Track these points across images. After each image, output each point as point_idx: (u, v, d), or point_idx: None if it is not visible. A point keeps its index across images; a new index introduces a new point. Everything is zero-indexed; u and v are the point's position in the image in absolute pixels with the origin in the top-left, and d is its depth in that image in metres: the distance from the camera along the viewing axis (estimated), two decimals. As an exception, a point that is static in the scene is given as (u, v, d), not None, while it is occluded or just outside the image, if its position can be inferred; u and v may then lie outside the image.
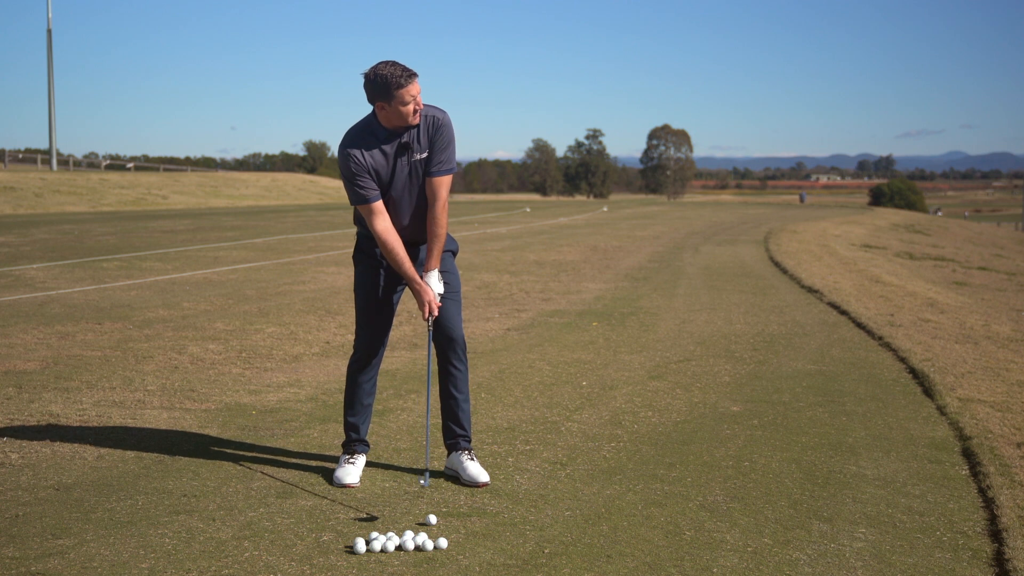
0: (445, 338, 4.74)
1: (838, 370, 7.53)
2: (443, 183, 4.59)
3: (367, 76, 4.39)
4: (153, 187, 47.11)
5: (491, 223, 29.16)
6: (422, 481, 4.54)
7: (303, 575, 3.61)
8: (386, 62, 4.40)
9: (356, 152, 4.51)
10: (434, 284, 4.60)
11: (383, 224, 4.54)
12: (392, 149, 4.52)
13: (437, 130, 4.55)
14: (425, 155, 4.55)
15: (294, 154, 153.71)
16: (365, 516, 4.20)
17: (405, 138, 4.51)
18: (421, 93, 4.44)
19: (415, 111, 4.44)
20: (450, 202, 4.82)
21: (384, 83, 4.35)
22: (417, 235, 4.70)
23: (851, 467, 5.05)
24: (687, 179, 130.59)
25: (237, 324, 9.23)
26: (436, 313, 4.61)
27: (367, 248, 4.75)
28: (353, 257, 4.85)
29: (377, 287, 4.72)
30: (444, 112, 4.60)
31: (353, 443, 4.81)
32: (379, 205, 4.54)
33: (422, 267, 4.69)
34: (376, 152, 4.52)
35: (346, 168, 4.53)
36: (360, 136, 4.54)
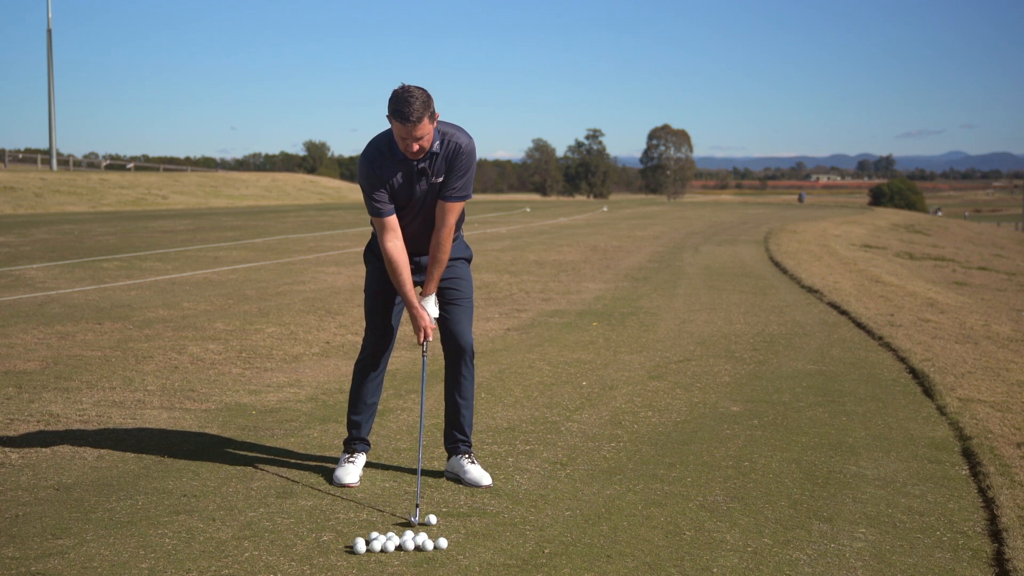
0: (454, 346, 4.72)
1: (838, 370, 7.53)
2: (453, 209, 4.54)
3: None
4: (153, 187, 47.11)
5: (491, 223, 29.16)
6: (412, 518, 4.19)
7: (303, 575, 3.61)
8: (413, 91, 4.27)
9: (375, 166, 4.47)
10: (431, 308, 4.60)
11: (392, 243, 4.50)
12: (411, 168, 4.48)
13: (457, 156, 4.49)
14: (441, 179, 4.51)
15: (294, 154, 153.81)
16: (404, 521, 4.18)
17: (423, 163, 4.46)
18: (434, 126, 4.35)
19: (413, 150, 4.35)
20: None
21: (390, 105, 4.30)
22: (421, 247, 4.67)
23: (851, 467, 5.05)
24: (687, 179, 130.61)
25: (237, 324, 9.23)
26: (431, 338, 4.60)
27: (378, 249, 4.72)
28: (364, 256, 4.84)
29: (386, 288, 4.71)
30: (469, 139, 4.53)
31: (354, 442, 4.81)
32: (392, 221, 4.50)
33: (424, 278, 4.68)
34: (395, 168, 4.47)
35: (363, 180, 4.51)
36: (380, 149, 4.48)
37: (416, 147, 4.35)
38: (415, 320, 4.55)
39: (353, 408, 4.83)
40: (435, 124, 4.38)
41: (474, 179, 4.63)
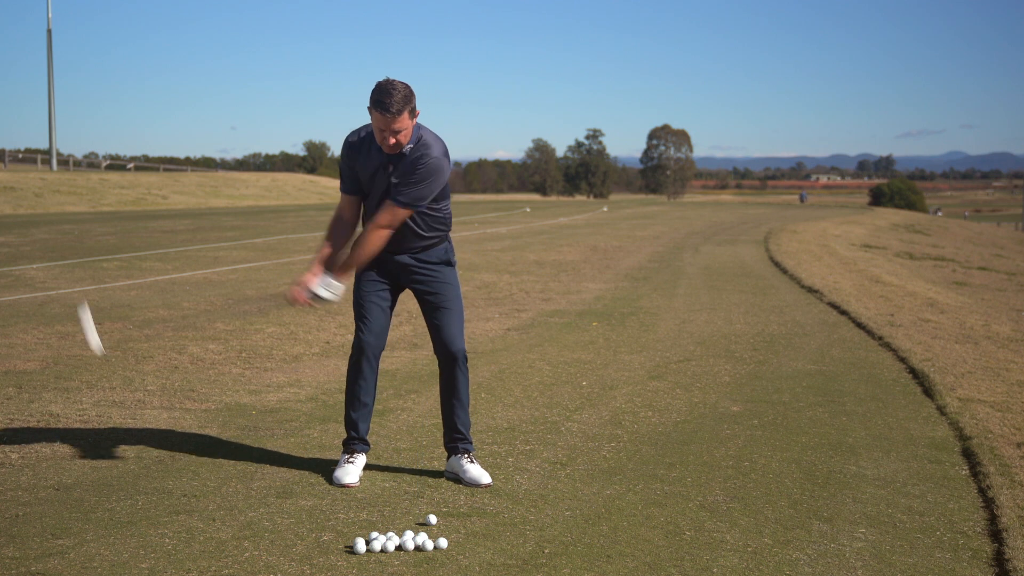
0: (446, 353, 4.72)
1: (838, 370, 7.53)
2: (391, 210, 4.49)
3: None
4: (153, 187, 47.10)
5: (491, 223, 29.16)
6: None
7: (303, 575, 3.61)
8: (396, 84, 4.33)
9: (352, 147, 4.59)
10: (314, 284, 4.55)
11: (337, 215, 4.70)
12: (382, 161, 4.52)
13: (419, 161, 4.45)
14: (397, 180, 4.50)
15: (294, 154, 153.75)
16: None
17: (392, 160, 4.49)
18: (413, 123, 4.40)
19: (389, 143, 4.38)
20: (453, 201, 4.81)
21: (372, 95, 4.35)
22: (394, 246, 4.66)
23: (851, 467, 5.05)
24: (687, 179, 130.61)
25: (237, 324, 9.23)
26: (292, 299, 4.56)
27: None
28: None
29: (372, 284, 4.73)
30: (440, 156, 4.46)
31: (353, 442, 4.81)
32: (346, 199, 4.67)
33: (412, 280, 4.73)
34: (368, 155, 4.53)
35: (341, 157, 4.67)
36: (361, 135, 4.59)
37: (392, 140, 4.37)
38: (296, 282, 4.62)
39: (349, 407, 4.82)
40: (414, 121, 4.42)
41: (432, 196, 4.52)
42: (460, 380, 4.75)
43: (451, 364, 4.73)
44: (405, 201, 4.50)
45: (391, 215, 4.52)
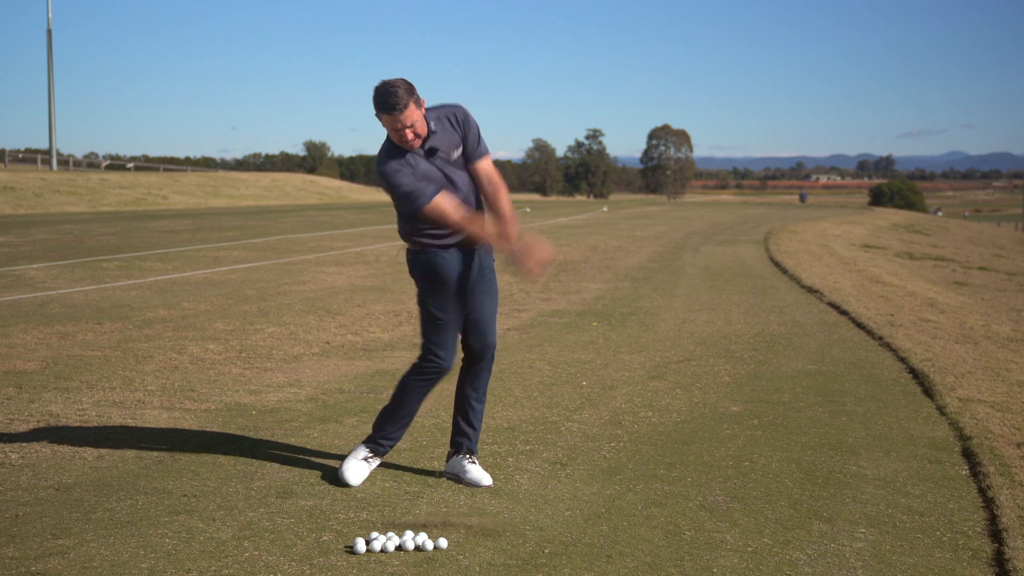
0: (483, 344, 4.63)
1: (838, 370, 7.53)
2: (489, 164, 4.55)
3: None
4: (153, 187, 47.09)
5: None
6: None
7: (303, 575, 3.61)
8: (393, 81, 4.30)
9: (394, 162, 4.38)
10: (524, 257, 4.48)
11: (455, 208, 4.38)
12: (420, 154, 4.43)
13: (465, 124, 4.48)
14: (459, 151, 4.48)
15: (294, 154, 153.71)
16: None
17: (430, 143, 4.41)
18: (422, 112, 4.35)
19: (408, 139, 4.34)
20: None
21: (375, 102, 4.31)
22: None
23: (851, 467, 5.05)
24: (687, 179, 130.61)
25: (237, 324, 9.23)
26: (545, 262, 4.51)
27: (421, 268, 4.57)
28: (411, 273, 4.65)
29: (449, 302, 4.55)
30: (461, 107, 4.53)
31: (387, 444, 4.71)
32: (441, 197, 4.36)
33: (479, 273, 4.59)
34: (415, 161, 4.41)
35: (393, 181, 4.37)
36: (391, 151, 4.42)
37: (411, 135, 4.34)
38: (524, 254, 4.46)
39: (398, 419, 4.69)
40: (423, 110, 4.39)
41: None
42: (484, 375, 4.71)
43: (482, 356, 4.65)
44: (485, 150, 4.55)
45: (491, 166, 4.57)
